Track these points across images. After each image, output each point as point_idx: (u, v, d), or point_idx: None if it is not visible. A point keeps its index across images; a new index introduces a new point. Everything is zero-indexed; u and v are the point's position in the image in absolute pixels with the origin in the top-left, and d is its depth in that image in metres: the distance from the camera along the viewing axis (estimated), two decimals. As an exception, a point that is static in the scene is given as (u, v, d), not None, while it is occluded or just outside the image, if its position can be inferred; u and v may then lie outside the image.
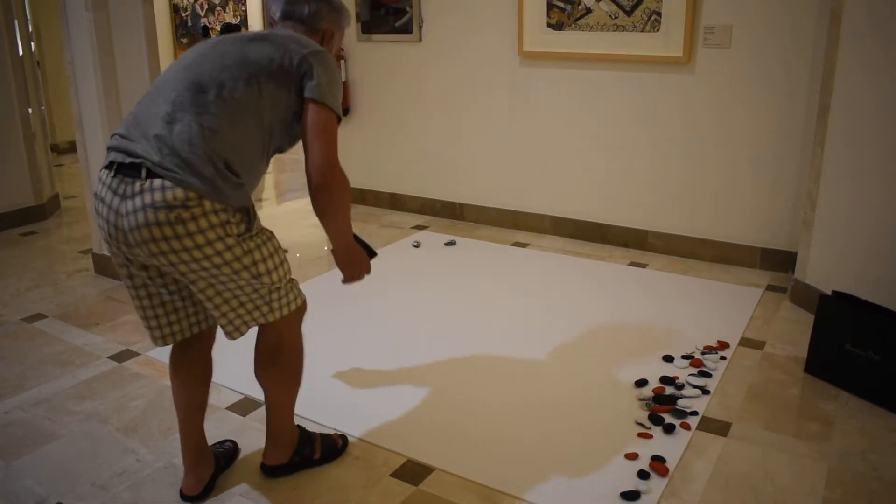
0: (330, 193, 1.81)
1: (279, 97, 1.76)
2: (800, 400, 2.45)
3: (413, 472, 2.13)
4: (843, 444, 2.20)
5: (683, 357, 2.74)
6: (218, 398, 2.49)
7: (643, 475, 2.06)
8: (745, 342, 2.87)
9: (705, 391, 2.50)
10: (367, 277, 2.12)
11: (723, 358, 2.73)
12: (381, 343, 2.92)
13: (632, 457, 2.15)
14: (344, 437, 2.25)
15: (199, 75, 1.73)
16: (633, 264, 3.76)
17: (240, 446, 2.23)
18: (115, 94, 3.43)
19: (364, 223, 4.62)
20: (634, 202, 3.94)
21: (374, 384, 2.59)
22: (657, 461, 2.12)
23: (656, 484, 2.04)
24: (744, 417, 2.36)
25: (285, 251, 2.41)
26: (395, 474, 2.12)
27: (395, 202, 4.87)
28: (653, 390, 2.51)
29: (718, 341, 2.85)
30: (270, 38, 1.81)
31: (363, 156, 4.94)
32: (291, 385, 2.04)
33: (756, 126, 3.48)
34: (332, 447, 2.19)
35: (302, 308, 1.96)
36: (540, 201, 4.27)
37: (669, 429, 2.28)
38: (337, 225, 1.90)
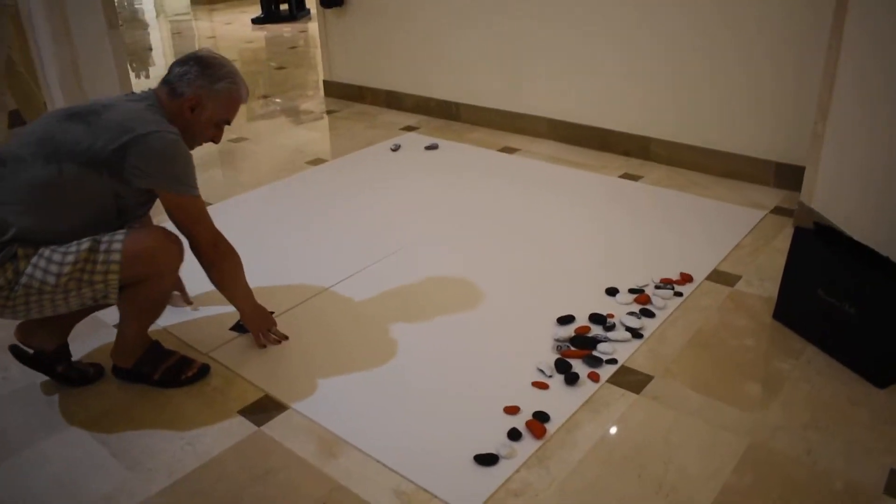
0: (221, 270, 1.90)
1: (86, 180, 1.68)
2: (752, 354, 2.00)
3: (264, 409, 1.87)
4: (782, 416, 1.76)
5: (631, 291, 2.31)
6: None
7: (514, 435, 1.71)
8: (715, 276, 2.39)
9: (637, 335, 2.08)
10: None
11: (678, 294, 2.28)
12: (305, 257, 2.63)
13: (511, 410, 1.80)
14: (204, 367, 2.01)
15: (7, 147, 1.73)
16: (625, 176, 3.25)
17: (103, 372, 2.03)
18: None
19: (354, 122, 4.26)
20: (637, 105, 3.37)
21: (281, 299, 2.31)
22: (537, 419, 1.76)
23: (525, 447, 1.69)
24: (672, 372, 1.94)
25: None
26: (244, 411, 1.87)
27: (392, 100, 4.45)
28: (575, 330, 2.11)
29: (681, 273, 2.38)
30: (92, 119, 1.71)
31: (360, 52, 4.51)
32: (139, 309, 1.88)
33: (775, 22, 2.82)
34: (175, 373, 1.95)
35: (130, 242, 1.71)
36: (537, 102, 3.76)
37: (572, 379, 1.89)
38: (236, 293, 1.98)
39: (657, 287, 2.31)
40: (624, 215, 2.85)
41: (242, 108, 4.65)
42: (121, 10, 9.86)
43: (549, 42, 3.56)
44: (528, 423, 1.74)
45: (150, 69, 6.32)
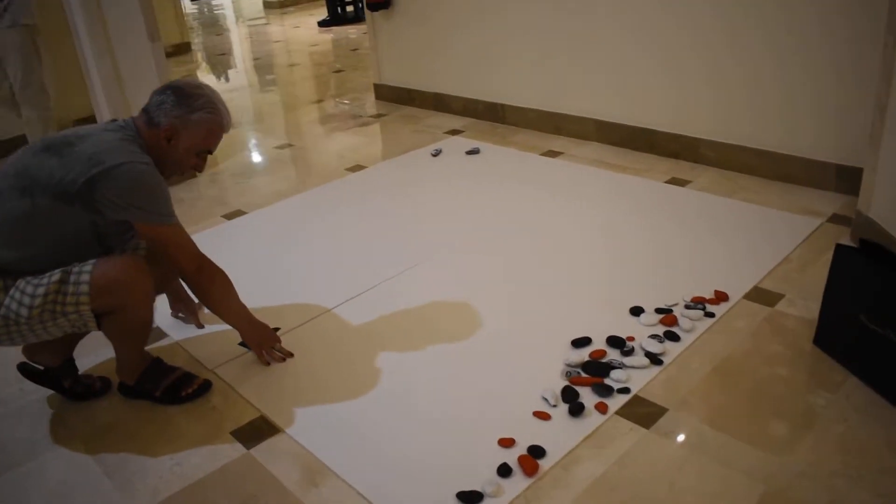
0: (208, 293, 1.90)
1: (59, 212, 1.67)
2: (783, 386, 1.80)
3: (256, 431, 1.83)
4: (808, 460, 1.57)
5: (658, 311, 2.14)
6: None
7: (503, 471, 1.60)
8: (754, 294, 2.18)
9: (657, 361, 1.92)
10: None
11: (709, 315, 2.09)
12: (325, 269, 2.58)
13: (506, 443, 1.68)
14: (205, 384, 1.99)
15: None
16: (672, 181, 3.04)
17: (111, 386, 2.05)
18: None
19: (400, 126, 4.20)
20: (686, 105, 3.15)
21: (293, 314, 2.27)
22: (531, 454, 1.64)
23: (514, 485, 1.57)
24: (689, 404, 1.77)
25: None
26: (237, 431, 1.84)
27: (440, 103, 4.37)
28: (589, 354, 1.97)
29: (716, 291, 2.19)
30: (66, 151, 1.68)
31: (408, 54, 4.45)
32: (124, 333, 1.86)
33: (836, 11, 2.56)
34: (175, 390, 1.94)
35: (99, 273, 1.69)
36: (582, 103, 3.59)
37: (577, 410, 1.76)
38: (227, 312, 1.97)
39: (687, 307, 2.13)
40: (666, 225, 2.66)
41: (290, 116, 4.73)
42: (201, 16, 10.21)
43: (596, 41, 3.39)
44: (520, 459, 1.62)
45: (229, 72, 6.51)
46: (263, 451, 1.76)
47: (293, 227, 2.94)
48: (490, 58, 3.94)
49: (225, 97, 1.94)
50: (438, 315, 2.23)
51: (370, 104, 4.73)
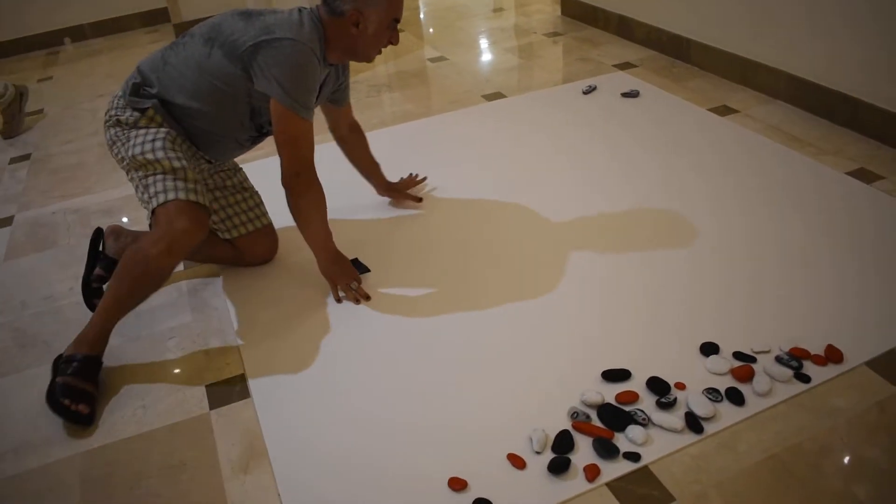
0: (295, 201, 1.83)
1: (224, 69, 1.76)
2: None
3: (227, 392, 1.72)
4: None
5: (737, 355, 1.64)
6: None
7: (433, 523, 1.33)
8: (882, 363, 1.58)
9: (696, 427, 1.47)
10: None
11: (802, 378, 1.55)
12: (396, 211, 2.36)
13: (456, 485, 1.39)
14: (84, 418, 1.65)
15: (195, 27, 1.86)
16: (858, 173, 2.32)
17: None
18: None
19: (569, 51, 3.71)
20: (911, 71, 2.35)
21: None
22: (473, 511, 1.34)
23: (435, 545, 1.30)
24: (708, 501, 1.33)
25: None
26: (211, 387, 1.74)
27: (624, 27, 3.76)
28: (618, 394, 1.56)
29: (828, 346, 1.62)
30: (254, 18, 1.78)
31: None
32: (117, 285, 1.73)
33: None
34: (63, 393, 1.64)
35: (173, 209, 1.69)
36: (777, 51, 2.84)
37: (559, 467, 1.40)
38: (308, 233, 1.89)
39: (778, 359, 1.61)
40: (814, 236, 2.03)
41: (461, 23, 4.37)
42: None
43: (808, -30, 2.62)
44: (457, 513, 1.34)
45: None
46: (223, 416, 1.65)
47: (394, 157, 2.72)
48: (683, -20, 3.26)
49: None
50: (479, 297, 1.92)
51: (552, 20, 4.24)
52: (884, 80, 2.43)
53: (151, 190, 1.74)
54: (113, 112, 1.84)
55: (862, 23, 2.45)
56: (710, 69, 3.22)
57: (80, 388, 1.66)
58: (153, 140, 1.77)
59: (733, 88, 3.04)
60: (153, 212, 1.73)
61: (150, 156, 1.75)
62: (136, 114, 1.80)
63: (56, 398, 1.63)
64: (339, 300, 1.97)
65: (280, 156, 1.79)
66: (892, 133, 2.44)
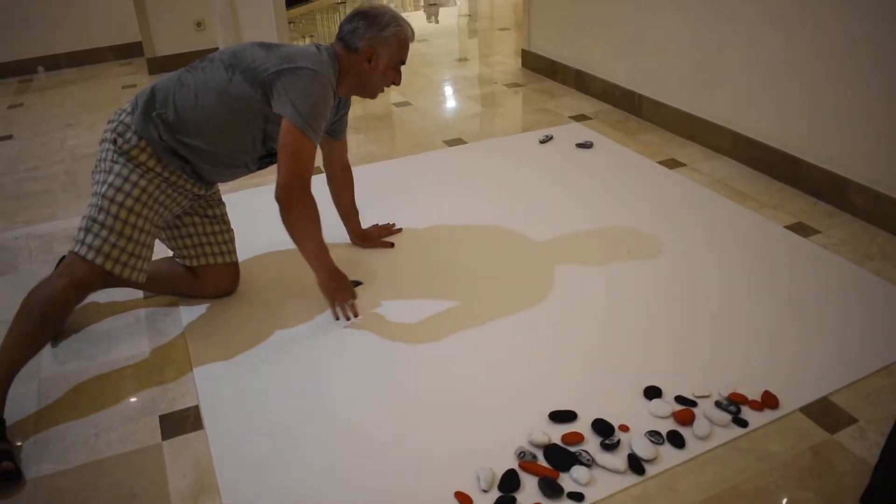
0: (287, 216, 1.85)
1: (243, 92, 1.84)
2: (784, 553, 1.34)
3: (181, 423, 1.71)
4: None
5: (679, 399, 1.71)
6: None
7: (380, 559, 1.35)
8: (816, 409, 1.66)
9: (638, 469, 1.52)
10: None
11: (739, 423, 1.63)
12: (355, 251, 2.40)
13: (404, 523, 1.42)
14: (12, 474, 1.56)
15: (215, 53, 1.95)
16: (796, 227, 2.45)
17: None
18: None
19: (528, 101, 3.84)
20: (840, 138, 2.51)
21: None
22: (420, 548, 1.36)
23: (381, 581, 1.31)
24: (647, 538, 1.38)
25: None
26: (164, 417, 1.74)
27: (580, 82, 3.92)
28: (563, 435, 1.61)
29: (765, 392, 1.70)
30: (274, 48, 1.88)
31: (559, 22, 4.02)
32: (12, 333, 1.70)
33: None
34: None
35: (92, 272, 1.76)
36: (723, 109, 3.01)
37: (505, 502, 1.44)
38: (303, 247, 1.92)
39: (717, 404, 1.68)
40: (757, 284, 2.14)
41: (426, 71, 4.50)
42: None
43: (750, 42, 2.79)
44: (403, 549, 1.36)
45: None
46: (175, 447, 1.65)
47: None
48: (634, 37, 3.43)
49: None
50: (436, 340, 1.97)
51: (513, 72, 4.39)
52: (826, 141, 2.59)
53: (89, 238, 1.79)
54: (115, 126, 1.88)
55: (809, 84, 2.62)
56: (661, 124, 3.37)
57: None
58: (130, 190, 1.82)
59: (681, 143, 3.19)
60: (72, 251, 1.79)
61: (114, 205, 1.80)
62: (134, 139, 1.85)
63: None
64: (336, 317, 2.03)
65: (279, 166, 1.83)
66: (828, 190, 2.59)
